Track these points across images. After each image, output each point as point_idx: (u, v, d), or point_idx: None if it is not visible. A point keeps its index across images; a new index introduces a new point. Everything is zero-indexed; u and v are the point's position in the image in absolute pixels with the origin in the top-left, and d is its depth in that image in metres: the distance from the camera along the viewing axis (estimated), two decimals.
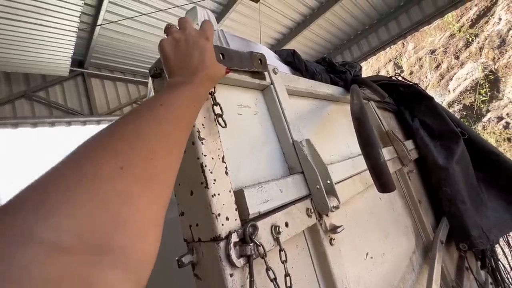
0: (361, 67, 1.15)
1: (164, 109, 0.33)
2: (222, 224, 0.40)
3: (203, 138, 0.43)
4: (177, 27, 0.47)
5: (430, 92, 8.95)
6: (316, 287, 0.54)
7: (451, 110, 7.70)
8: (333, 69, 1.05)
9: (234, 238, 0.40)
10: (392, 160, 1.11)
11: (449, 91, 8.27)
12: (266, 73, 0.65)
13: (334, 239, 0.59)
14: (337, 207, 0.57)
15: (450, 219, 1.34)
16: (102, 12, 3.76)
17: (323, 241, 0.57)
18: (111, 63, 5.07)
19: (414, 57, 10.49)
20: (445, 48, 9.08)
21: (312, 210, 0.55)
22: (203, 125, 0.44)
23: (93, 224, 0.20)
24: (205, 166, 0.41)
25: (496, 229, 1.34)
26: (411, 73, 10.41)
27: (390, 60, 11.69)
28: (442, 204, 1.37)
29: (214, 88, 0.47)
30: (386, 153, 1.10)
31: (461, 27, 8.69)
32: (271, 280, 0.40)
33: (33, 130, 4.39)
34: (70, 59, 3.83)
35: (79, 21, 3.21)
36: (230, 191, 0.43)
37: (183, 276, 0.58)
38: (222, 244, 0.39)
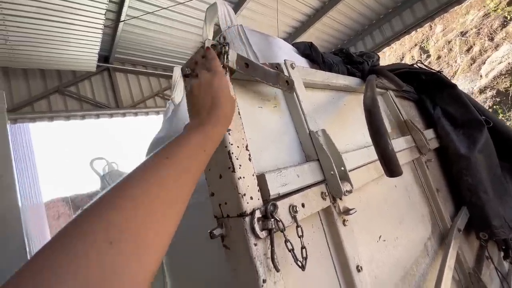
0: (378, 57, 1.15)
1: (169, 163, 0.33)
2: (247, 203, 0.47)
3: (230, 130, 0.49)
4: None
5: (460, 77, 8.41)
6: (330, 263, 0.60)
7: (483, 96, 7.21)
8: (351, 60, 1.06)
9: (258, 214, 0.47)
10: (409, 149, 1.13)
11: (481, 76, 7.71)
12: (284, 68, 0.70)
13: (347, 220, 0.64)
14: (350, 191, 0.62)
15: (470, 209, 1.33)
16: (125, 8, 3.90)
17: (337, 222, 0.62)
18: (134, 57, 5.27)
19: (443, 40, 9.83)
20: (478, 29, 8.40)
21: (327, 194, 0.61)
22: None
23: None
24: (232, 153, 0.48)
25: None
26: (438, 57, 9.80)
27: (415, 45, 11.04)
28: (462, 194, 1.36)
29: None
30: (404, 143, 1.11)
31: (498, 4, 7.98)
32: (289, 251, 0.47)
33: (66, 122, 4.73)
34: (97, 55, 4.04)
35: (104, 18, 3.37)
36: (253, 175, 0.50)
37: (211, 249, 0.67)
38: (247, 219, 0.46)
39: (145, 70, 5.51)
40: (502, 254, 1.54)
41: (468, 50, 8.61)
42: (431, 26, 10.27)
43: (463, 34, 8.95)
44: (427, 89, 1.58)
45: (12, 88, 4.07)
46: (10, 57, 3.43)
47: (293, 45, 1.15)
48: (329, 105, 0.88)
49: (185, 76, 0.55)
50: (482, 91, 7.44)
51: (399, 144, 1.07)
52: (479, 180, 1.31)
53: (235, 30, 1.12)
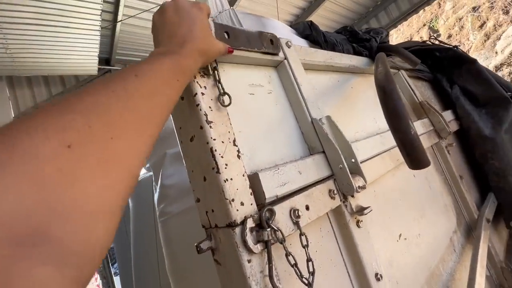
0: (388, 33, 1.03)
1: (138, 81, 0.29)
2: (237, 210, 0.38)
3: (211, 122, 0.40)
4: None
5: (473, 55, 8.02)
6: (344, 272, 0.51)
7: (499, 73, 6.83)
8: (356, 38, 0.95)
9: (250, 223, 0.38)
10: (427, 134, 1.01)
11: (496, 52, 7.32)
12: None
13: (362, 221, 0.55)
14: (363, 187, 0.53)
15: (498, 195, 1.21)
16: (121, 8, 3.84)
17: (349, 223, 0.53)
18: (135, 58, 5.22)
19: (453, 18, 9.39)
20: (491, 3, 7.95)
21: (335, 192, 0.52)
22: (210, 107, 0.41)
23: (23, 210, 0.16)
24: (215, 150, 0.39)
25: None
26: (449, 36, 9.37)
27: (424, 25, 10.58)
28: (488, 179, 1.23)
29: (216, 63, 0.44)
30: (420, 126, 0.99)
31: None
32: (292, 266, 0.38)
33: None
34: (97, 58, 4.00)
35: (100, 19, 3.31)
36: (243, 175, 0.41)
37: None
38: (237, 230, 0.37)
39: None
40: None
41: (481, 26, 8.18)
42: (440, 4, 9.81)
43: (475, 9, 8.51)
44: (443, 66, 1.44)
45: (17, 96, 4.10)
46: (12, 66, 3.43)
47: (291, 26, 1.05)
48: (334, 89, 0.78)
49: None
50: (498, 68, 7.05)
51: (416, 129, 0.95)
52: (507, 163, 1.18)
53: (226, 15, 1.02)
